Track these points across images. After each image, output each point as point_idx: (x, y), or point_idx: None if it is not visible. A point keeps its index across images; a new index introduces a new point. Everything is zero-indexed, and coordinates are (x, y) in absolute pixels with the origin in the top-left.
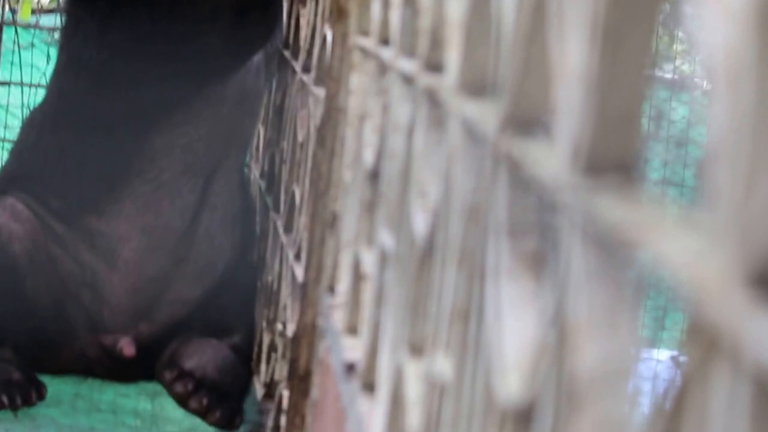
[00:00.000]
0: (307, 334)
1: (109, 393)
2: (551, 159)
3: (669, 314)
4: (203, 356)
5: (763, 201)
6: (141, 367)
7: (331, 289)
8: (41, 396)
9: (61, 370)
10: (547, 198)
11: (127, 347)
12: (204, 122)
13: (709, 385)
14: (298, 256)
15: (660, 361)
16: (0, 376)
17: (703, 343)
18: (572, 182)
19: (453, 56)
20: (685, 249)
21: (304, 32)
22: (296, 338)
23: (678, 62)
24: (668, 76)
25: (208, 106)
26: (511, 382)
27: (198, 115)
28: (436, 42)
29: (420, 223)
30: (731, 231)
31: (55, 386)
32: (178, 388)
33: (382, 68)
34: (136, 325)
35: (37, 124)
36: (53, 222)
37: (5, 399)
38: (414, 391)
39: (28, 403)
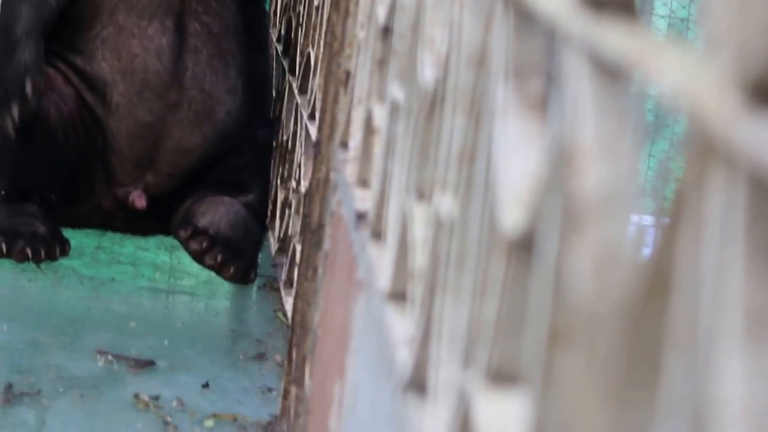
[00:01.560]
0: (320, 189)
1: (129, 246)
2: None
3: (670, 184)
4: (216, 213)
5: (757, 14)
6: (154, 220)
7: (344, 144)
8: (64, 251)
9: (80, 224)
10: (552, 32)
11: (138, 199)
12: None
13: (706, 190)
14: (312, 116)
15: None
16: (25, 230)
17: (700, 151)
18: (577, 14)
19: None
20: (683, 65)
21: None
22: (309, 193)
23: None
24: None
25: None
26: (514, 213)
27: None
28: None
29: (428, 70)
30: (726, 44)
31: (78, 239)
32: (193, 245)
33: None
34: (143, 175)
35: None
36: (55, 62)
37: (29, 251)
38: (420, 233)
39: (51, 257)
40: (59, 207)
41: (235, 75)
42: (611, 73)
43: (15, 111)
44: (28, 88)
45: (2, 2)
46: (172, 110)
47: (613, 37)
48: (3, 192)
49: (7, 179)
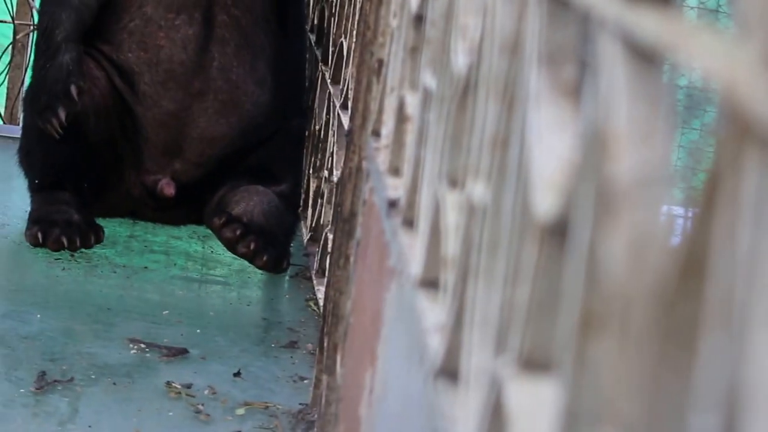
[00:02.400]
0: (353, 178)
1: (162, 235)
2: None
3: (700, 173)
4: (250, 202)
5: None
6: (183, 210)
7: (376, 133)
8: (99, 238)
9: (109, 212)
10: (586, 17)
11: (166, 186)
12: None
13: (740, 172)
14: (344, 105)
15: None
16: (60, 218)
17: (734, 133)
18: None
19: None
20: (717, 48)
21: None
22: (342, 182)
23: None
24: None
25: None
26: (547, 199)
27: None
28: None
29: (461, 57)
30: (759, 26)
31: (111, 228)
32: (227, 233)
33: None
34: (172, 163)
35: None
36: (87, 48)
37: (65, 240)
38: (453, 220)
39: (86, 245)
40: (90, 194)
41: (264, 67)
42: (645, 58)
43: (62, 113)
44: (73, 91)
45: (41, 7)
46: (196, 99)
47: (647, 21)
48: (36, 180)
49: (40, 166)
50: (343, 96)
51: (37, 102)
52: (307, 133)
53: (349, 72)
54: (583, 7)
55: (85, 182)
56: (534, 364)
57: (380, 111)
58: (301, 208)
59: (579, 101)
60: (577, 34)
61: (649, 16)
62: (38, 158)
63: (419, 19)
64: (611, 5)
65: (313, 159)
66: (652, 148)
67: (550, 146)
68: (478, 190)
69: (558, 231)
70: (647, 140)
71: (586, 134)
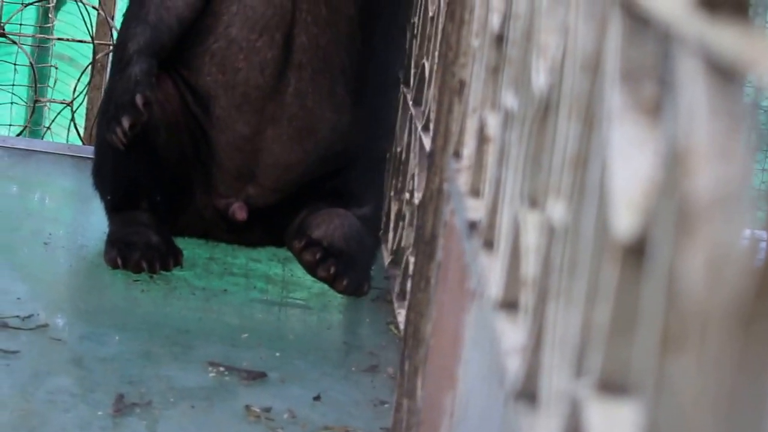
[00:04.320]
0: (434, 200)
1: (242, 258)
2: None
3: None
4: (330, 225)
5: None
6: (258, 232)
7: (457, 154)
8: (178, 261)
9: (181, 232)
10: (666, 35)
11: (239, 211)
12: None
13: None
14: (426, 127)
15: None
16: (139, 240)
17: None
18: (692, 17)
19: None
20: None
21: None
22: (423, 205)
23: None
24: None
25: None
26: (627, 218)
27: None
28: None
29: (542, 77)
30: None
31: (190, 250)
32: (307, 256)
33: None
34: (245, 188)
35: None
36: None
37: (145, 264)
38: (532, 241)
39: (166, 268)
40: (165, 213)
41: (343, 91)
42: (726, 75)
43: (126, 123)
44: (139, 101)
45: (120, 27)
46: (271, 125)
47: (728, 38)
48: (110, 198)
49: (113, 184)
50: (424, 117)
51: (106, 114)
52: (388, 155)
53: (430, 93)
54: (663, 25)
55: (159, 197)
56: (614, 386)
57: (461, 132)
58: (382, 231)
59: (659, 119)
60: (657, 51)
61: (730, 34)
62: (111, 176)
63: (500, 39)
64: (691, 23)
65: (394, 181)
66: (732, 166)
67: (630, 164)
68: (558, 210)
69: (637, 250)
70: (727, 158)
71: (666, 152)
